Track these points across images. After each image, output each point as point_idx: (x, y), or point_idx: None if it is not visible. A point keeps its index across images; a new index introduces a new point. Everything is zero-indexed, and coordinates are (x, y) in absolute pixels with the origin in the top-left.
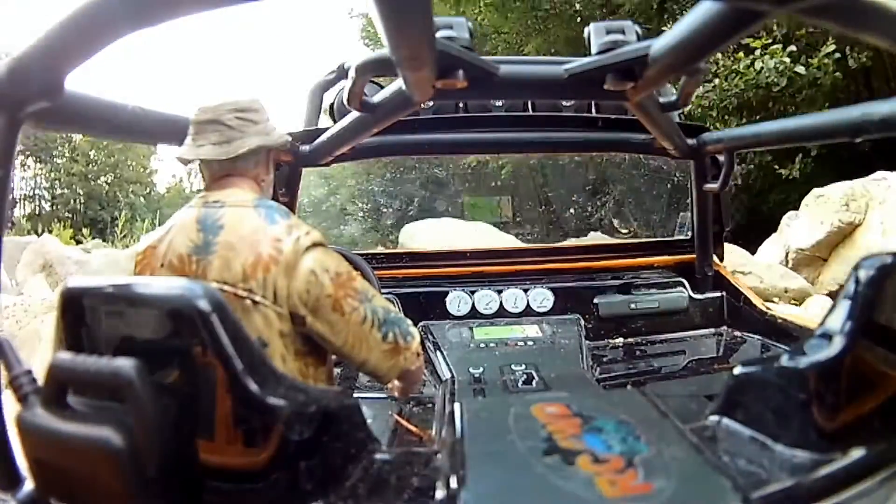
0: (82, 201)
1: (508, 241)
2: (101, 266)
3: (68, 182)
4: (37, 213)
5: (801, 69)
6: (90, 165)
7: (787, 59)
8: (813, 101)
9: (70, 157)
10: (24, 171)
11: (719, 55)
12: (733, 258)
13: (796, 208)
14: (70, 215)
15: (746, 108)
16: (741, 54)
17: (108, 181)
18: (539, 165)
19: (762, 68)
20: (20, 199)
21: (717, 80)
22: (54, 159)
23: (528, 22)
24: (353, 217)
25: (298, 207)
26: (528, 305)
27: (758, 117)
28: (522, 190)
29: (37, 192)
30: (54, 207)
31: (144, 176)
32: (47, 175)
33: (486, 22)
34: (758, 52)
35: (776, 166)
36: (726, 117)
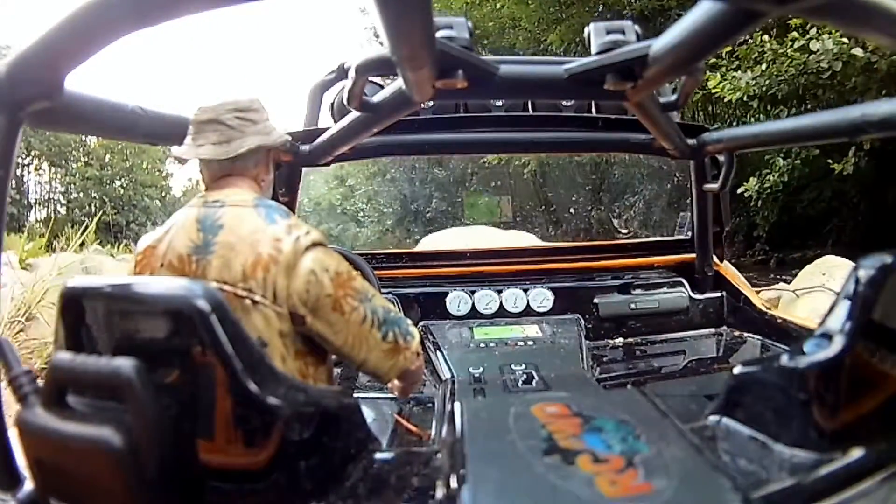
0: (97, 205)
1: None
2: None
3: (83, 186)
4: (52, 217)
5: (858, 51)
6: (105, 169)
7: (846, 41)
8: (865, 89)
9: (85, 161)
10: (39, 175)
11: (766, 37)
12: None
13: (830, 207)
14: (85, 219)
15: (795, 98)
16: (795, 34)
17: (124, 185)
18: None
19: (818, 50)
20: (35, 204)
21: (763, 66)
22: (69, 163)
23: (550, 10)
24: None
25: (299, 206)
26: (528, 305)
27: (806, 107)
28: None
29: (52, 196)
30: (69, 212)
31: (160, 179)
32: (62, 179)
33: (506, 12)
34: (813, 32)
35: (828, 160)
36: (769, 108)
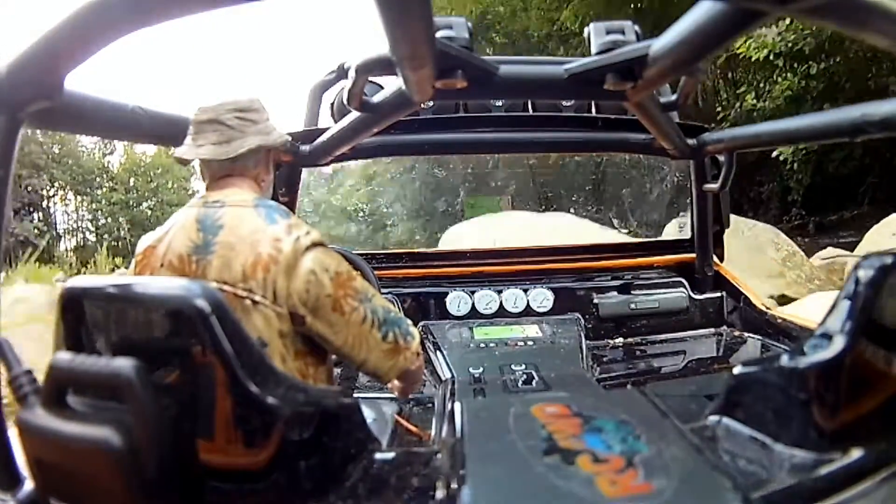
0: (126, 228)
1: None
2: None
3: (110, 211)
4: (81, 245)
5: None
6: (130, 193)
7: None
8: None
9: (110, 186)
10: (66, 205)
11: None
12: None
13: (863, 164)
14: (115, 244)
15: (821, 52)
16: None
17: (151, 206)
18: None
19: None
20: (63, 234)
21: (787, 20)
22: (94, 190)
23: None
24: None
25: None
26: (528, 305)
27: (833, 61)
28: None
29: (80, 224)
30: (99, 238)
31: (186, 197)
32: (88, 206)
33: None
34: None
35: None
36: (796, 65)
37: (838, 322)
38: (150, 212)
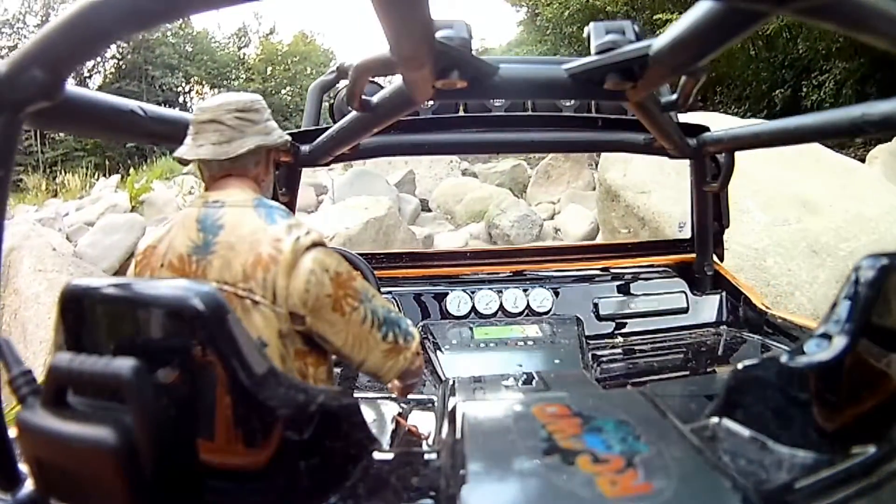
0: None
1: None
2: None
3: None
4: None
5: None
6: (268, 81)
7: None
8: None
9: (246, 76)
10: (202, 98)
11: None
12: None
13: None
14: None
15: None
16: None
17: (290, 93)
18: None
19: None
20: None
21: None
22: (231, 82)
23: None
24: None
25: None
26: (527, 305)
27: None
28: None
29: None
30: None
31: None
32: None
33: None
34: None
35: None
36: None
37: (838, 322)
38: (288, 98)
